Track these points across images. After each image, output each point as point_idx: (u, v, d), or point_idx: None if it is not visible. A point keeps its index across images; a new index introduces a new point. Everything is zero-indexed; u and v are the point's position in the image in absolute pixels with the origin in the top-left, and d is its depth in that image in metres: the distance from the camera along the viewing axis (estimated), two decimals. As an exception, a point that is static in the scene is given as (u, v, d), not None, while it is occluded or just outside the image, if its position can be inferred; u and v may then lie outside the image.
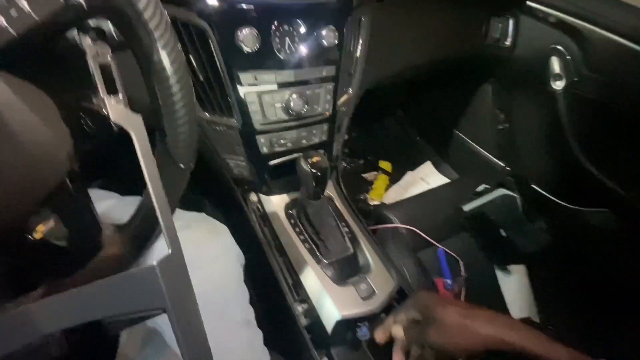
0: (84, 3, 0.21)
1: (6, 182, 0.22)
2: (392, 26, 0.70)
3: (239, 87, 0.52)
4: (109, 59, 0.25)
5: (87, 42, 0.24)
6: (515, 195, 0.81)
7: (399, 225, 0.79)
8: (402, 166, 1.27)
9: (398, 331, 0.46)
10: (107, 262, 0.31)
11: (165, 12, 0.26)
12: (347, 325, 0.52)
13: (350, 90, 0.66)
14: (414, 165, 1.26)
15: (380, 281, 0.56)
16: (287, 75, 0.55)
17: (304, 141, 0.62)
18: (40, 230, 0.28)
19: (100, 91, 0.25)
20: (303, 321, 0.53)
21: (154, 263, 0.27)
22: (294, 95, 0.56)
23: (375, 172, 1.27)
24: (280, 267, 0.58)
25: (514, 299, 0.82)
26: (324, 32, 0.55)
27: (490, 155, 1.10)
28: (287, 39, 0.53)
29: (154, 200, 0.27)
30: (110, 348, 0.44)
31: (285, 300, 0.55)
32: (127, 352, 0.41)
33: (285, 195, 0.65)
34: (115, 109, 0.25)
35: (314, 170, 0.53)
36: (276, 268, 0.58)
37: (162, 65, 0.25)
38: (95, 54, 0.24)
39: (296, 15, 0.52)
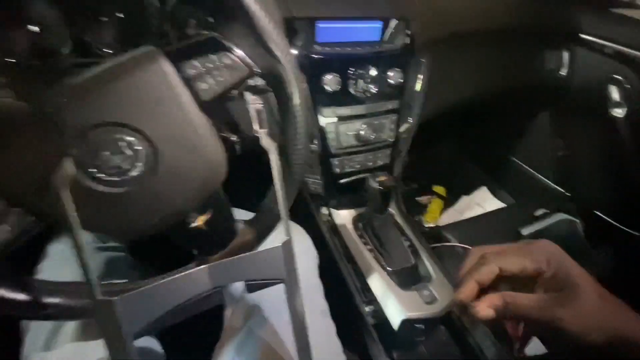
0: (257, 70, 0.34)
1: (192, 180, 0.34)
2: (449, 64, 0.80)
3: (321, 118, 0.65)
4: (261, 106, 0.37)
5: (249, 95, 0.37)
6: (576, 220, 0.81)
7: (457, 244, 0.83)
8: (456, 191, 1.30)
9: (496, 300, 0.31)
10: (240, 246, 0.42)
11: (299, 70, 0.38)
12: (410, 324, 0.58)
13: (410, 120, 0.76)
14: (467, 190, 1.28)
15: (440, 290, 0.62)
16: (359, 109, 0.66)
17: (370, 163, 0.72)
18: (201, 220, 0.40)
19: (256, 126, 0.37)
20: (370, 320, 0.60)
21: (279, 245, 0.38)
22: (364, 125, 0.67)
23: (429, 196, 1.32)
24: (349, 272, 0.66)
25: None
26: (390, 73, 0.66)
27: (548, 181, 1.10)
28: (361, 81, 0.64)
29: (280, 201, 0.38)
30: (216, 322, 0.55)
31: (354, 301, 0.63)
32: (233, 324, 0.52)
33: (353, 210, 0.75)
34: (264, 138, 0.37)
35: (381, 188, 0.62)
36: (345, 272, 0.66)
37: (296, 107, 0.37)
38: (253, 102, 0.37)
39: (368, 62, 0.64)
